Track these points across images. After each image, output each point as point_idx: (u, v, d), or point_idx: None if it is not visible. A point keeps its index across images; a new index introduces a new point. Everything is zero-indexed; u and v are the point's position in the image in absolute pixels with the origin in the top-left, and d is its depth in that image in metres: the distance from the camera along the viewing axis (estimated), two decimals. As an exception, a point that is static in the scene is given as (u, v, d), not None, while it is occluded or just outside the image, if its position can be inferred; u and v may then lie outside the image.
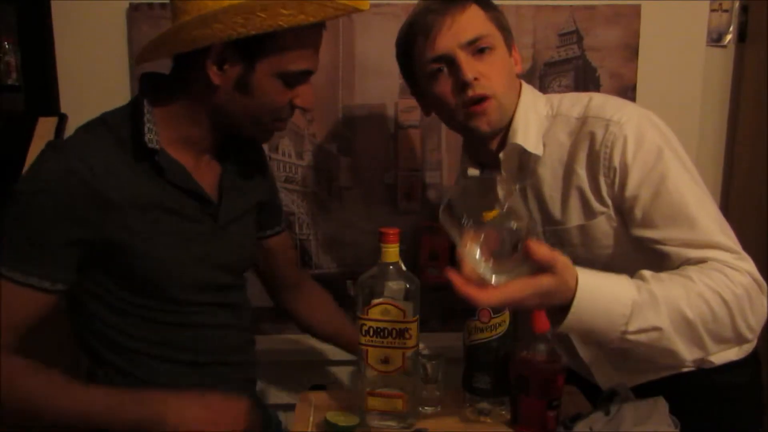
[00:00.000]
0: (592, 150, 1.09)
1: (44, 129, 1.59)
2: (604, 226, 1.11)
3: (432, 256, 1.76)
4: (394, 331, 1.03)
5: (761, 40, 1.67)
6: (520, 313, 1.09)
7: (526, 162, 1.17)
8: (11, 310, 0.97)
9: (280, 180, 1.70)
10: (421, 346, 1.08)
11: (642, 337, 0.92)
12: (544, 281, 0.85)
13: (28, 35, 1.67)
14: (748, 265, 1.00)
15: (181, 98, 1.05)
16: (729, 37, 1.73)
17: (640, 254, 1.07)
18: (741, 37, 1.74)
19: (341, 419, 1.05)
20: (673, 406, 0.98)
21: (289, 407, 1.31)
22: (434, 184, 1.73)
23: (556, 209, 1.15)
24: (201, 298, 1.10)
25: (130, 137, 1.02)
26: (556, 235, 1.16)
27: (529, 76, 1.68)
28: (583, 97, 1.15)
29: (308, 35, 1.02)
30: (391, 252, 1.03)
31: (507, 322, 1.07)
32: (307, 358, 1.74)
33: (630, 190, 1.06)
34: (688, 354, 0.95)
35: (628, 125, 1.07)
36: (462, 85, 1.10)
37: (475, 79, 1.10)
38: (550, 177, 1.15)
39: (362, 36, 1.65)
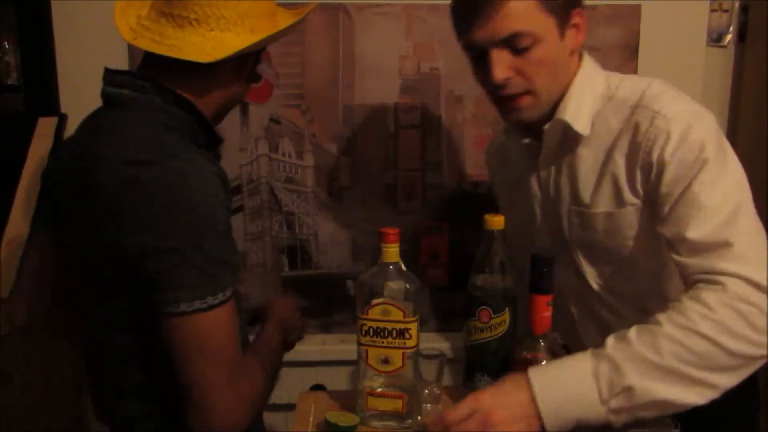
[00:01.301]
0: (634, 140, 1.06)
1: (44, 129, 1.60)
2: (631, 217, 1.09)
3: (432, 256, 1.76)
4: (394, 331, 1.03)
5: (761, 40, 1.67)
6: (520, 313, 1.09)
7: (569, 138, 1.13)
8: (235, 327, 0.95)
9: (280, 180, 1.70)
10: (421, 346, 1.08)
11: (623, 402, 0.89)
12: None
13: (28, 35, 1.67)
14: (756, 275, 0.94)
15: (197, 92, 1.02)
16: (729, 37, 1.73)
17: (663, 252, 1.06)
18: (741, 37, 1.74)
19: (341, 419, 1.05)
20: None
21: (289, 407, 1.31)
22: (434, 184, 1.73)
23: (587, 192, 1.13)
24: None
25: (190, 137, 0.99)
26: (581, 217, 1.14)
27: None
28: (643, 83, 1.11)
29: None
30: (391, 252, 1.03)
31: (507, 322, 1.07)
32: (307, 359, 1.74)
33: (664, 186, 1.03)
34: (689, 396, 0.91)
35: (675, 121, 1.03)
36: (491, 81, 1.07)
37: (508, 78, 1.06)
38: (590, 158, 1.12)
39: (362, 36, 1.65)
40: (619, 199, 1.10)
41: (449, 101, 1.69)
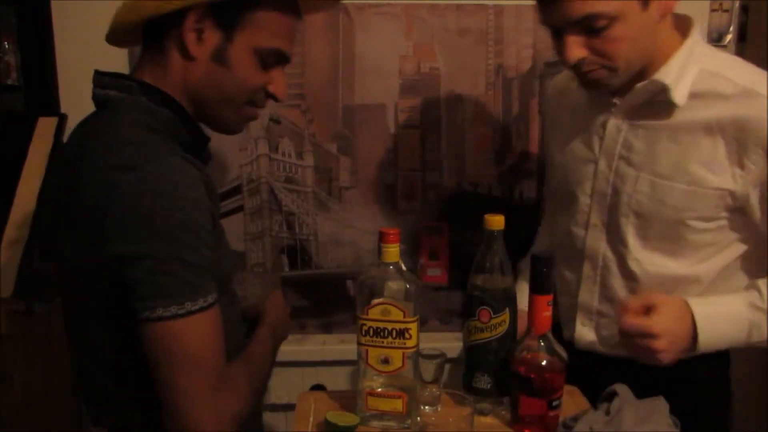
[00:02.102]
0: (745, 128, 1.05)
1: (44, 129, 1.59)
2: (712, 201, 1.09)
3: (432, 256, 1.76)
4: (394, 331, 1.03)
5: (761, 40, 1.67)
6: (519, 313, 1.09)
7: (656, 102, 1.11)
8: (220, 335, 0.92)
9: (280, 180, 1.70)
10: (421, 346, 1.08)
11: (761, 345, 1.10)
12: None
13: (28, 35, 1.67)
14: None
15: (163, 83, 1.00)
16: (729, 37, 1.73)
17: (726, 251, 1.14)
18: (741, 37, 1.74)
19: (341, 419, 1.05)
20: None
21: (289, 407, 1.31)
22: (434, 184, 1.73)
23: (669, 163, 1.11)
24: (232, 286, 1.10)
25: (172, 135, 0.98)
26: (653, 187, 1.12)
27: (529, 77, 1.68)
28: (756, 69, 1.11)
29: (283, 18, 1.01)
30: (391, 252, 1.03)
31: (507, 322, 1.07)
32: (307, 359, 1.74)
33: None
34: None
35: None
36: (567, 63, 1.08)
37: (582, 59, 1.06)
38: (680, 131, 1.10)
39: (362, 36, 1.65)
40: (705, 179, 1.09)
41: (449, 101, 1.69)
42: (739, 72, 1.10)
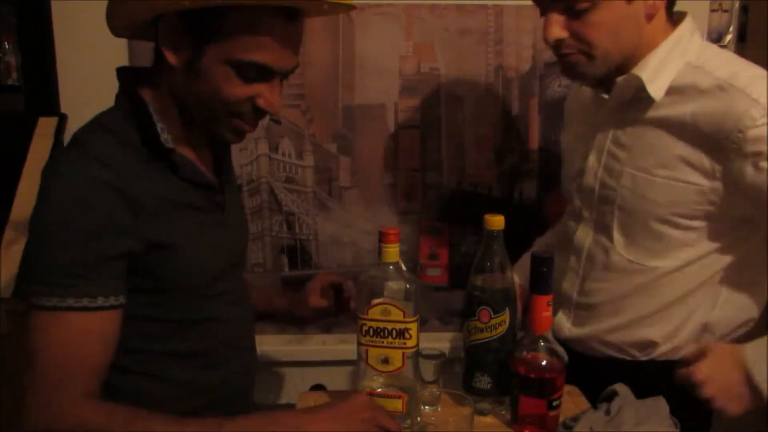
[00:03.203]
0: (723, 122, 1.04)
1: (44, 129, 1.59)
2: (692, 195, 1.09)
3: (432, 256, 1.76)
4: (394, 331, 1.03)
5: (761, 40, 1.67)
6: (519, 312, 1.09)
7: (641, 98, 1.12)
8: (86, 342, 0.93)
9: (280, 180, 1.71)
10: (421, 346, 1.08)
11: None
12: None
13: (28, 35, 1.67)
14: None
15: (159, 86, 1.03)
16: (729, 37, 1.73)
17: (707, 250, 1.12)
18: (741, 37, 1.74)
19: (341, 419, 1.05)
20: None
21: (289, 407, 1.31)
22: (434, 184, 1.73)
23: (650, 156, 1.11)
24: (214, 290, 1.09)
25: (139, 139, 1.00)
26: (635, 181, 1.13)
27: (529, 77, 1.68)
28: (739, 61, 1.11)
29: (266, 23, 0.94)
30: (391, 252, 1.03)
31: (507, 322, 1.07)
32: (307, 359, 1.74)
33: (748, 177, 1.04)
34: None
35: None
36: (546, 42, 1.10)
37: (560, 39, 1.07)
38: (662, 124, 1.10)
39: (362, 36, 1.65)
40: (684, 173, 1.09)
41: (449, 101, 1.69)
42: (722, 64, 1.09)
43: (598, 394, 1.08)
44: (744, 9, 1.72)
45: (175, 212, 1.02)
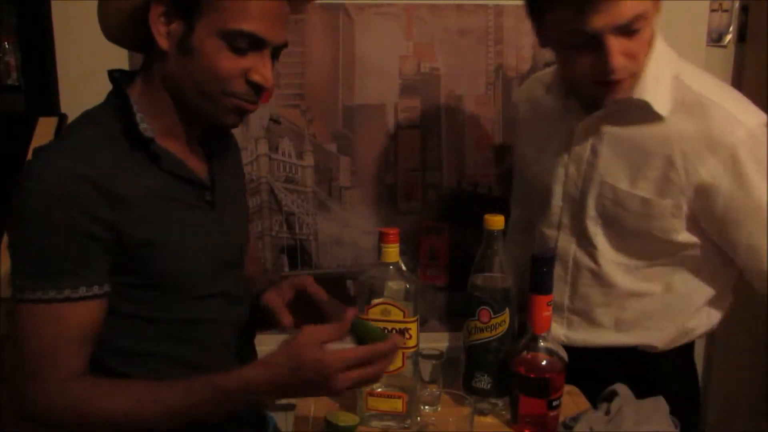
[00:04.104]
0: (708, 138, 1.03)
1: (44, 129, 1.59)
2: (670, 211, 1.09)
3: (432, 256, 1.76)
4: (394, 331, 1.03)
5: (761, 40, 1.67)
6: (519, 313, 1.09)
7: (625, 112, 1.09)
8: (71, 330, 0.95)
9: (280, 180, 1.70)
10: (421, 346, 1.08)
11: None
12: None
13: (28, 35, 1.67)
14: None
15: (148, 81, 1.04)
16: (729, 37, 1.73)
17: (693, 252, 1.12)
18: (741, 37, 1.73)
19: (341, 419, 1.05)
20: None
21: (289, 407, 1.31)
22: (434, 184, 1.73)
23: (629, 170, 1.11)
24: (206, 290, 1.09)
25: (122, 130, 1.01)
26: (615, 193, 1.12)
27: (529, 76, 1.68)
28: (712, 78, 1.10)
29: None
30: (391, 252, 1.03)
31: (507, 322, 1.07)
32: (307, 358, 1.74)
33: (722, 198, 1.04)
34: None
35: (755, 131, 1.04)
36: (604, 69, 1.01)
37: (623, 68, 1.02)
38: (640, 137, 1.09)
39: (362, 36, 1.65)
40: (662, 189, 1.09)
41: (449, 101, 1.69)
42: (700, 79, 1.09)
43: (597, 386, 1.08)
44: (744, 9, 1.72)
45: (161, 205, 1.02)
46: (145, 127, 1.00)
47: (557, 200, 1.21)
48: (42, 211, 0.93)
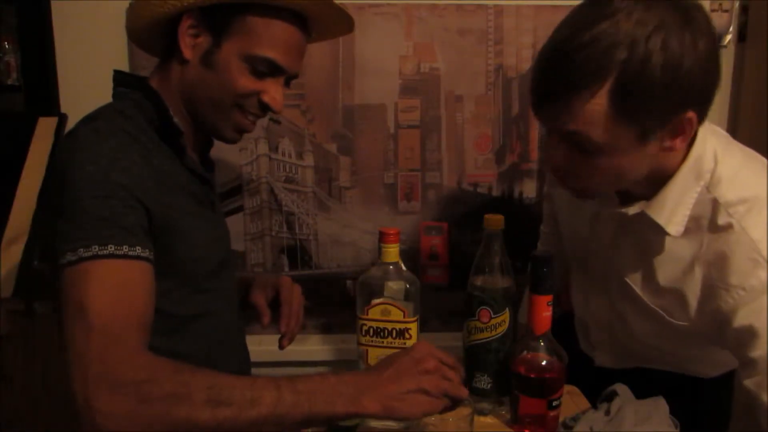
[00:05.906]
0: (729, 274, 0.94)
1: (44, 129, 1.59)
2: (683, 311, 1.04)
3: (432, 256, 1.76)
4: (394, 331, 1.03)
5: (761, 40, 1.67)
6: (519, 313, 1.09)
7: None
8: (136, 294, 0.89)
9: (280, 180, 1.71)
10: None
11: None
12: None
13: (28, 35, 1.67)
14: None
15: (164, 84, 1.07)
16: (729, 37, 1.73)
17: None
18: (741, 37, 1.73)
19: (341, 419, 1.04)
20: (648, 394, 1.01)
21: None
22: (434, 184, 1.73)
23: (645, 273, 1.06)
24: (210, 284, 1.10)
25: (148, 123, 1.03)
26: (634, 283, 1.08)
27: (529, 76, 1.68)
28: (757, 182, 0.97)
29: (281, 25, 1.02)
30: (391, 252, 1.03)
31: (507, 322, 1.07)
32: (306, 359, 1.74)
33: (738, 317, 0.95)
34: None
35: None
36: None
37: (561, 170, 0.96)
38: (661, 248, 1.02)
39: (362, 36, 1.65)
40: (675, 302, 1.04)
41: (449, 101, 1.69)
42: (731, 186, 0.96)
43: (598, 392, 1.08)
44: (744, 9, 1.72)
45: (182, 197, 1.05)
46: (176, 121, 1.05)
47: (586, 271, 1.19)
48: (105, 174, 0.92)
